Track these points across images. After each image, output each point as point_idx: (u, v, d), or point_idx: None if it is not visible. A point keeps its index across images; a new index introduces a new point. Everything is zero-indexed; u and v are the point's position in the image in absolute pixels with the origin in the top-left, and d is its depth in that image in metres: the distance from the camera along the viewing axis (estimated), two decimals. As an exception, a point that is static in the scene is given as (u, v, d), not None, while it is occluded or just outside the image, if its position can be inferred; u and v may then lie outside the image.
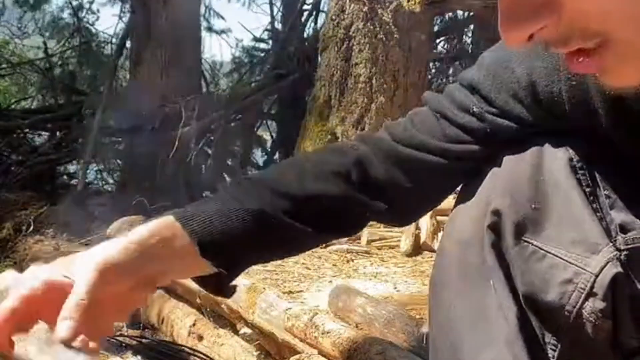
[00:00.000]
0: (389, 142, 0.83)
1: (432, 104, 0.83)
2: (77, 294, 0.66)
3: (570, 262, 0.68)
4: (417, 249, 2.70)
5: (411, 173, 0.82)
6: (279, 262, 2.70)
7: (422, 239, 2.68)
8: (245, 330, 2.31)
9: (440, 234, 2.60)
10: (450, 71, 5.75)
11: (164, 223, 0.74)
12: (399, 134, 0.83)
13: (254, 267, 2.62)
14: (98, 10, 7.25)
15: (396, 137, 0.83)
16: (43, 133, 5.96)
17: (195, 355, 2.22)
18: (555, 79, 0.71)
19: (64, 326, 0.64)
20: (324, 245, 3.07)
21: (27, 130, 5.64)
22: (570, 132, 0.73)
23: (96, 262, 0.68)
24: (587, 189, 0.70)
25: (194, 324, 2.62)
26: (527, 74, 0.73)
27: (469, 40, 6.25)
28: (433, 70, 5.63)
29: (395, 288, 2.32)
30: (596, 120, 0.70)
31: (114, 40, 6.71)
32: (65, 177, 6.16)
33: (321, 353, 1.78)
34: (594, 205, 0.69)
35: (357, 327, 1.81)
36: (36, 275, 0.68)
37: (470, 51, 5.81)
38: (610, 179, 0.70)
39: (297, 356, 1.84)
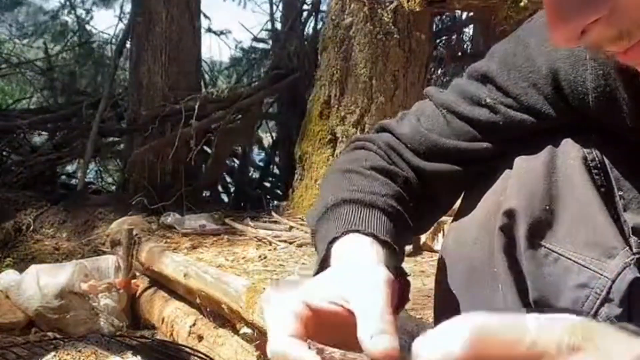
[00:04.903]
0: (402, 153, 0.80)
1: (438, 99, 0.80)
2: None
3: (584, 266, 0.65)
4: (417, 249, 2.70)
5: (425, 186, 0.80)
6: (279, 262, 2.71)
7: (423, 240, 2.68)
8: (245, 330, 2.31)
9: (440, 235, 2.59)
10: (450, 71, 5.75)
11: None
12: (409, 137, 0.80)
13: (254, 267, 2.63)
14: (92, 8, 7.25)
15: (406, 140, 0.80)
16: (43, 133, 5.95)
17: (195, 355, 2.22)
18: (579, 67, 0.68)
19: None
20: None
21: (27, 130, 5.63)
22: (587, 129, 0.69)
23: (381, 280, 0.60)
24: (602, 189, 0.67)
25: (194, 324, 2.62)
26: (548, 63, 0.70)
27: (469, 40, 6.25)
28: (433, 71, 5.63)
29: (395, 288, 2.32)
30: (619, 113, 0.67)
31: (113, 40, 6.71)
32: (65, 177, 6.16)
33: (321, 353, 1.78)
34: (609, 206, 0.66)
35: (357, 327, 1.80)
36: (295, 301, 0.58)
37: (470, 51, 5.81)
38: (625, 178, 0.67)
39: (297, 356, 1.84)
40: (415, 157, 0.79)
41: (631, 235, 0.66)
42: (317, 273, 0.68)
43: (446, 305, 0.78)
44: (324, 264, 0.68)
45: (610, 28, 0.45)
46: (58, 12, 7.38)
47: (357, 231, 0.68)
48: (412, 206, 0.78)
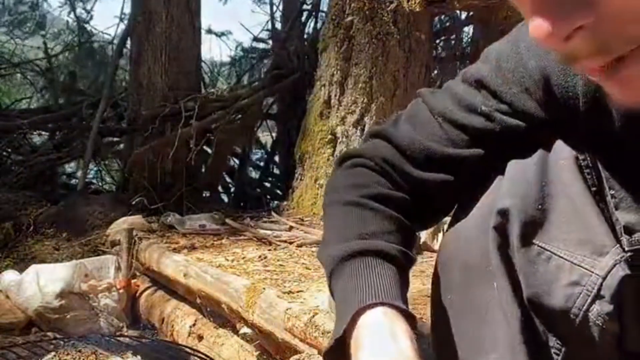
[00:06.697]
0: (400, 166, 0.82)
1: (433, 106, 0.81)
2: None
3: (576, 264, 0.67)
4: (417, 249, 2.70)
5: (426, 197, 0.82)
6: (279, 262, 2.70)
7: (422, 239, 2.68)
8: (245, 330, 2.31)
9: (440, 235, 2.59)
10: (450, 71, 5.75)
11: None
12: (407, 145, 0.81)
13: (254, 267, 2.63)
14: (92, 8, 7.25)
15: (404, 149, 0.81)
16: (43, 133, 5.95)
17: (195, 355, 2.22)
18: (570, 73, 0.69)
19: None
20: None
21: (27, 130, 5.63)
22: (578, 132, 0.71)
23: None
24: (593, 189, 0.68)
25: (194, 324, 2.62)
26: (540, 68, 0.71)
27: (469, 40, 6.25)
28: (433, 70, 5.63)
29: (395, 288, 2.32)
30: (609, 117, 0.68)
31: (114, 40, 6.71)
32: (65, 177, 6.16)
33: (321, 353, 1.78)
34: (600, 205, 0.68)
35: (357, 327, 1.80)
36: None
37: (470, 51, 5.80)
38: (616, 178, 0.68)
39: (297, 356, 1.84)
40: (415, 169, 0.81)
41: (623, 234, 0.67)
42: (339, 338, 0.72)
43: (442, 304, 0.78)
44: (349, 332, 0.72)
45: (593, 38, 0.44)
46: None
47: (382, 304, 0.71)
48: (412, 231, 0.82)
